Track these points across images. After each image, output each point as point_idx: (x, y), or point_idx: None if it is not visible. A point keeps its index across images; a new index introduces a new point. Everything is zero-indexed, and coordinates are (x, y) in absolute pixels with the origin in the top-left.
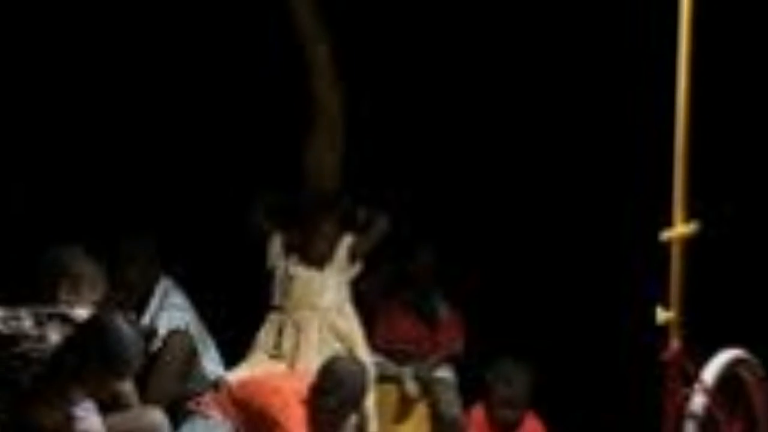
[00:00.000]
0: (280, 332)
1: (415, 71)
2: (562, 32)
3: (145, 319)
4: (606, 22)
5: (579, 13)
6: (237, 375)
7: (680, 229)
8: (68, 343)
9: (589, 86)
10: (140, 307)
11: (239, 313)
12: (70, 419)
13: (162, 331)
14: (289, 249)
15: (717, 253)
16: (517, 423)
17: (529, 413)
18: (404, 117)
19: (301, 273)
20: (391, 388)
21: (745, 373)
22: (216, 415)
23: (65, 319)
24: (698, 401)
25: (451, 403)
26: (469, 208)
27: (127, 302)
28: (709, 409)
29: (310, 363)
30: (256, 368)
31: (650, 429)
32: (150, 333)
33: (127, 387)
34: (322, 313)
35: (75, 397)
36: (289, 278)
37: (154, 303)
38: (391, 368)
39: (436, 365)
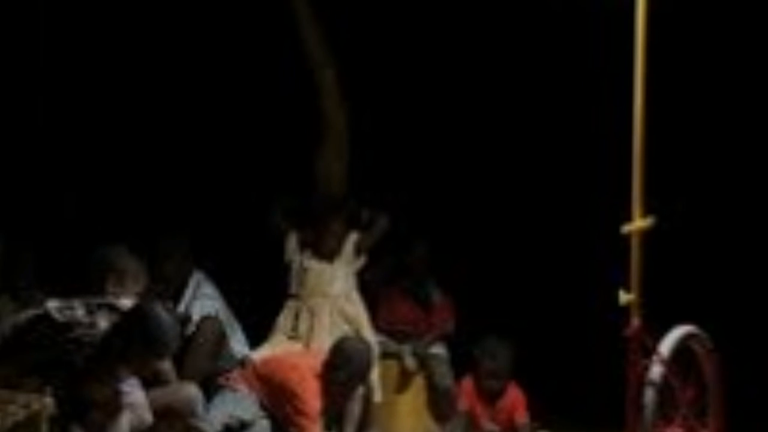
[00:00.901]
0: (296, 317)
1: (409, 92)
2: (529, 52)
3: (181, 308)
4: (570, 43)
5: (547, 36)
6: (260, 354)
7: (639, 223)
8: (115, 329)
9: (560, 104)
10: (176, 297)
11: (261, 300)
12: (117, 394)
13: (195, 317)
14: (303, 245)
15: (671, 244)
16: (501, 392)
17: (511, 383)
18: (401, 130)
19: (314, 265)
20: (392, 363)
21: (696, 346)
22: (242, 388)
23: (112, 308)
24: (656, 371)
25: (444, 375)
26: (458, 208)
27: (165, 293)
28: (665, 378)
29: (323, 343)
30: (276, 348)
31: (615, 395)
32: (185, 319)
33: (166, 366)
34: (332, 299)
35: (121, 375)
36: (304, 270)
37: (188, 293)
38: (392, 346)
39: (431, 343)
